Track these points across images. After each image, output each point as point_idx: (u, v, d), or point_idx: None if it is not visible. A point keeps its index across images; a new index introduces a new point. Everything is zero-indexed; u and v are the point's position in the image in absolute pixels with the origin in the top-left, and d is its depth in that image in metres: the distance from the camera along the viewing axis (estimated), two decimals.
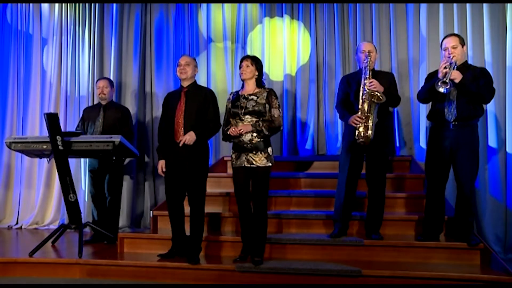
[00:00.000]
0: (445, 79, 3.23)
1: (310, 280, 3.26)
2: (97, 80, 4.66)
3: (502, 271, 3.13)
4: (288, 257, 3.57)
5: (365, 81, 3.45)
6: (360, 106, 3.44)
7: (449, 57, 3.33)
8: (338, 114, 3.81)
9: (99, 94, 4.51)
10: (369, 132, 3.41)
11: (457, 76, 3.25)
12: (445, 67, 3.28)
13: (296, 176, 4.51)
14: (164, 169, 3.59)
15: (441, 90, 3.23)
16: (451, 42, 3.39)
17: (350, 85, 3.65)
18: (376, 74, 3.58)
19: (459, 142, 3.35)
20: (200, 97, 3.55)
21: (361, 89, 3.46)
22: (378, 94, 3.39)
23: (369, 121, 3.41)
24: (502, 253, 4.09)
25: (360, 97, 3.46)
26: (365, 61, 3.51)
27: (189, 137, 3.43)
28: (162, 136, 3.65)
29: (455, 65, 3.31)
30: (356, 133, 3.43)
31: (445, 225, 3.61)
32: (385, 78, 3.58)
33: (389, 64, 4.80)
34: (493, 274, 3.08)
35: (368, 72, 3.48)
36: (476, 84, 3.30)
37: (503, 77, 4.24)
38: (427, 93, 3.44)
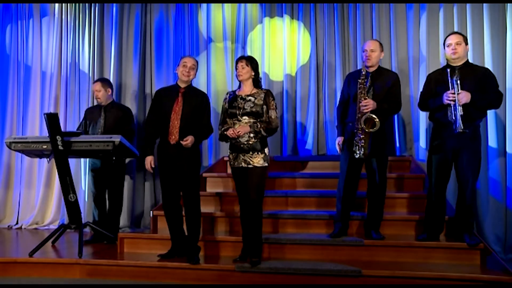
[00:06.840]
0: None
1: (310, 280, 3.26)
2: (93, 83, 4.65)
3: (502, 271, 3.14)
4: (288, 257, 3.57)
5: (361, 101, 3.43)
6: (356, 125, 3.45)
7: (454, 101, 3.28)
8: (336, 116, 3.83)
9: (96, 98, 4.52)
10: (364, 151, 3.42)
11: (465, 98, 3.23)
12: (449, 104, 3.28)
13: (296, 176, 4.50)
14: (153, 165, 3.60)
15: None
16: (455, 38, 3.40)
17: (350, 85, 3.65)
18: (380, 73, 3.55)
19: (462, 142, 3.33)
20: (197, 101, 3.56)
21: (357, 106, 3.46)
22: (375, 121, 3.36)
23: (365, 141, 3.42)
24: (502, 253, 4.09)
25: (356, 115, 3.46)
26: (361, 77, 3.46)
27: (190, 144, 3.43)
28: (150, 132, 3.64)
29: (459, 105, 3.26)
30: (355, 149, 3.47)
31: (445, 225, 3.60)
32: (387, 79, 3.53)
33: (389, 64, 4.79)
34: (493, 274, 3.08)
35: (366, 85, 3.46)
36: (481, 94, 3.29)
37: (503, 77, 4.23)
38: (433, 107, 3.45)
